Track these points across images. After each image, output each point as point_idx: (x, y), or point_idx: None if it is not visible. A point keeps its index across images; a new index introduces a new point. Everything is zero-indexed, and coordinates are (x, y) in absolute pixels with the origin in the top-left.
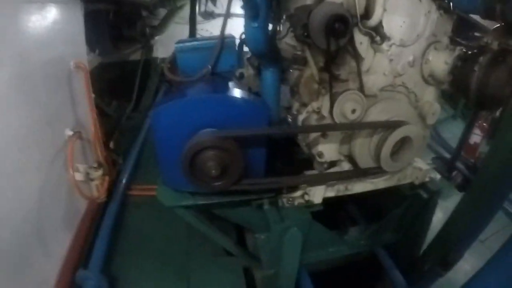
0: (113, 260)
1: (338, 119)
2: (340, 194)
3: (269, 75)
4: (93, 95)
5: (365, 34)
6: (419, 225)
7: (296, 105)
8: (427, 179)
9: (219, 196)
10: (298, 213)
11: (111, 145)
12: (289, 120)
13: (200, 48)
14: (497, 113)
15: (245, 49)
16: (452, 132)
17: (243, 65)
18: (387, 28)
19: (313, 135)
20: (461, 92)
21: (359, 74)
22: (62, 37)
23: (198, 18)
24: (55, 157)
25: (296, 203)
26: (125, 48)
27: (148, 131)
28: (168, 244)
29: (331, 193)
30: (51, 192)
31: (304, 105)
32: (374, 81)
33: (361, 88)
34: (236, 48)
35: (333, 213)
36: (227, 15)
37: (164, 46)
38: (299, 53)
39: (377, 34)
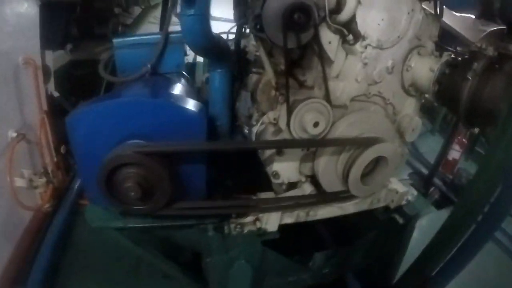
0: (56, 277)
1: (296, 133)
2: (301, 220)
3: (216, 77)
4: (57, 94)
5: (335, 31)
6: (394, 250)
7: (256, 115)
8: (404, 203)
9: (154, 219)
10: (248, 242)
11: (63, 149)
12: (246, 131)
13: (142, 44)
14: (476, 130)
15: None
16: (430, 147)
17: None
18: (361, 25)
19: (268, 152)
20: (449, 105)
21: (324, 79)
22: (9, 30)
23: (174, 19)
24: None
25: (245, 230)
26: (96, 46)
27: None
28: (117, 261)
29: (289, 219)
30: None
31: (264, 114)
32: (344, 88)
33: (327, 97)
34: (185, 46)
35: (295, 234)
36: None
37: None
38: (258, 53)
39: (349, 32)
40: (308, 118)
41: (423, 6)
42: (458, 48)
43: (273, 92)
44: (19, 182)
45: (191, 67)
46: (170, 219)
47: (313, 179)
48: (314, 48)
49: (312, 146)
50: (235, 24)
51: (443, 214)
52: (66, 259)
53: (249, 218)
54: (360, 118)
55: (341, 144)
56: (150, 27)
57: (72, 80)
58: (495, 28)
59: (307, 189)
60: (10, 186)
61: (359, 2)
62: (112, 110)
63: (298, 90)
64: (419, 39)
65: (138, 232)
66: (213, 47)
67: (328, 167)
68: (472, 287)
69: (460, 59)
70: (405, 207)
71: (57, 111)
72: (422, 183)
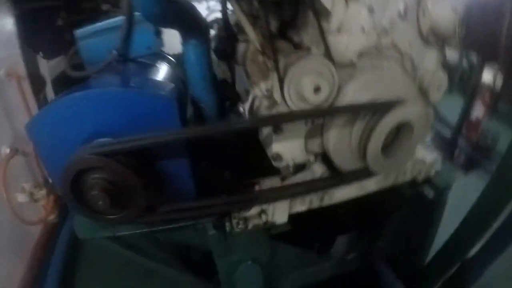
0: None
1: (293, 104)
2: (314, 207)
3: (191, 51)
4: None
5: None
6: (424, 230)
7: (251, 90)
8: (432, 173)
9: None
10: (253, 239)
11: None
12: (241, 110)
13: (105, 30)
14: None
15: None
16: (449, 107)
17: None
18: None
19: (266, 130)
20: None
21: (320, 29)
22: None
23: None
24: None
25: (250, 225)
26: None
27: None
28: (130, 266)
29: (301, 207)
30: None
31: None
32: (348, 42)
33: (327, 53)
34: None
35: (312, 220)
36: None
37: None
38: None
39: None
40: (305, 83)
41: None
42: None
43: (260, 58)
44: (21, 198)
45: None
46: (161, 223)
47: (325, 156)
48: None
49: (315, 117)
50: None
51: (470, 180)
52: (77, 270)
53: (253, 211)
54: (373, 77)
55: (353, 111)
56: None
57: (72, 84)
58: None
59: (318, 170)
60: (7, 203)
61: None
62: (67, 109)
63: (292, 52)
64: None
65: (139, 237)
66: (171, 12)
67: (340, 141)
68: None
69: None
70: (434, 178)
71: None
72: (446, 147)
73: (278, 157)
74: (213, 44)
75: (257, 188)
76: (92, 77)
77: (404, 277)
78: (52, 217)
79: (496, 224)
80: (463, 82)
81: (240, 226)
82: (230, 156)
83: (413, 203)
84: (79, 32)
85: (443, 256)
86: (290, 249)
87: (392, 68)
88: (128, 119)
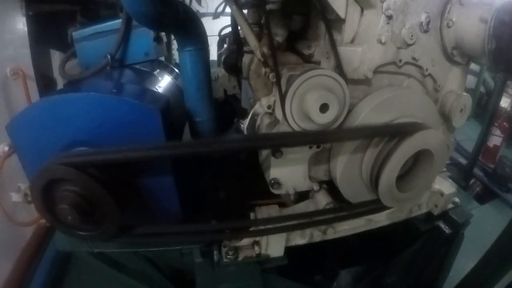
0: None
1: (295, 123)
2: (316, 241)
3: (186, 59)
4: None
5: None
6: (438, 267)
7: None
8: (450, 206)
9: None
10: (243, 272)
11: None
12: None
13: (102, 33)
14: None
15: None
16: (466, 134)
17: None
18: None
19: (265, 153)
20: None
21: (331, 41)
22: None
23: None
24: None
25: (241, 256)
26: None
27: None
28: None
29: (300, 240)
30: None
31: None
32: (363, 55)
33: (338, 66)
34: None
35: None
36: None
37: None
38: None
39: None
40: (311, 99)
41: None
42: None
43: (263, 71)
44: (15, 197)
45: None
46: (143, 244)
47: (330, 184)
48: (316, 5)
49: (320, 140)
50: None
51: (487, 210)
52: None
53: (245, 241)
54: (390, 96)
55: (365, 134)
56: None
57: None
58: None
59: (322, 200)
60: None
61: None
62: (45, 112)
63: (298, 65)
64: None
65: (122, 255)
66: (160, 12)
67: (349, 169)
68: None
69: None
70: (451, 212)
71: None
72: (461, 175)
73: (277, 183)
74: (222, 57)
75: (252, 216)
76: (83, 81)
77: None
78: (44, 220)
79: None
80: (479, 106)
81: (229, 257)
82: (227, 174)
83: (428, 238)
84: (76, 33)
85: None
86: (286, 284)
87: (412, 87)
88: (110, 128)
